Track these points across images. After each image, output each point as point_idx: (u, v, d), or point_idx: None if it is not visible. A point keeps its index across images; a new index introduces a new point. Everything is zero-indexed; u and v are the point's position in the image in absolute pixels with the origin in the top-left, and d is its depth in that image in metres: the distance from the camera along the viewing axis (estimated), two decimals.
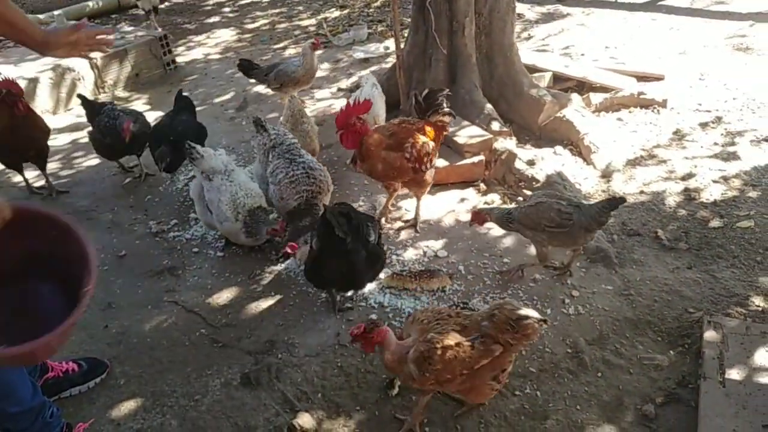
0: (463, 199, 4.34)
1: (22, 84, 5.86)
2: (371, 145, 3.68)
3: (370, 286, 3.48)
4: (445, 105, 3.78)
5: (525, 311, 2.39)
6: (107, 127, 4.59)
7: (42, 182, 4.93)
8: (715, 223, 3.87)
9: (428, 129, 3.80)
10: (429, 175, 3.88)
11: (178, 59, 7.72)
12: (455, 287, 3.50)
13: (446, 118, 3.84)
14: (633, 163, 4.59)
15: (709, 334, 2.92)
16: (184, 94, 4.99)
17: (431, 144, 3.77)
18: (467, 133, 4.65)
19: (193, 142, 3.87)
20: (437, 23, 5.00)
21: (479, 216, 3.46)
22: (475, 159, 4.52)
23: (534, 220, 3.27)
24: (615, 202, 3.21)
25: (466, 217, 4.13)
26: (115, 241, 4.21)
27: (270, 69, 5.49)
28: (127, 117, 4.61)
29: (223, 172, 3.77)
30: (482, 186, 4.47)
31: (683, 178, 4.35)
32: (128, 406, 2.92)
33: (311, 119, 4.80)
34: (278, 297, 3.56)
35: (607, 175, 4.45)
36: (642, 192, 4.26)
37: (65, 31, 2.49)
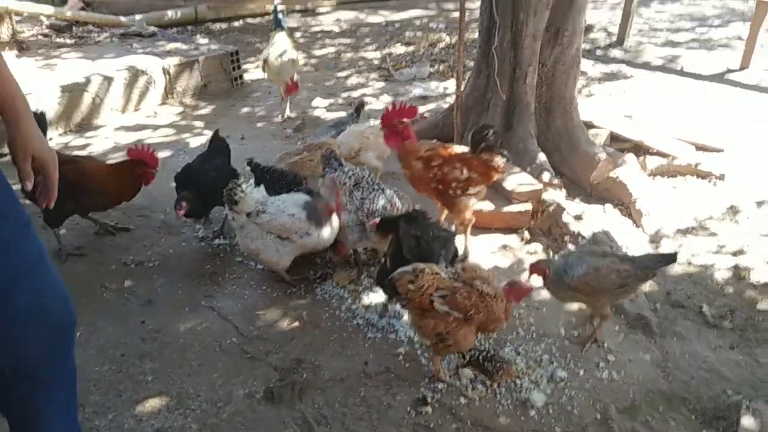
0: (505, 246, 4.32)
1: (97, 81, 6.24)
2: (406, 150, 3.83)
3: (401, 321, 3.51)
4: (491, 142, 3.80)
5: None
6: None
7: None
8: (763, 305, 3.73)
9: (472, 162, 3.83)
10: (463, 204, 3.90)
11: (245, 76, 8.00)
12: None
13: (496, 158, 3.84)
14: (683, 232, 4.49)
15: (747, 420, 2.80)
16: (221, 135, 4.52)
17: (465, 173, 3.78)
18: (517, 180, 4.65)
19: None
20: (500, 69, 5.07)
21: (538, 268, 3.25)
22: (522, 207, 4.51)
23: (594, 287, 3.16)
24: (669, 258, 3.26)
25: (506, 262, 4.12)
26: (162, 241, 4.35)
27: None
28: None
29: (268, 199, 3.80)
30: (526, 234, 4.45)
31: (734, 255, 4.23)
32: (153, 403, 2.98)
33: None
34: (311, 317, 3.60)
35: (656, 240, 4.36)
36: (690, 263, 4.15)
37: (46, 154, 1.89)
